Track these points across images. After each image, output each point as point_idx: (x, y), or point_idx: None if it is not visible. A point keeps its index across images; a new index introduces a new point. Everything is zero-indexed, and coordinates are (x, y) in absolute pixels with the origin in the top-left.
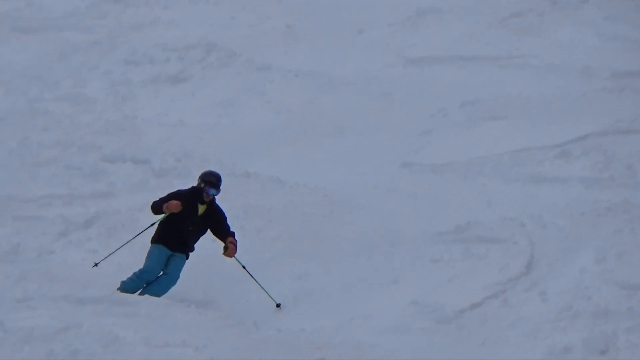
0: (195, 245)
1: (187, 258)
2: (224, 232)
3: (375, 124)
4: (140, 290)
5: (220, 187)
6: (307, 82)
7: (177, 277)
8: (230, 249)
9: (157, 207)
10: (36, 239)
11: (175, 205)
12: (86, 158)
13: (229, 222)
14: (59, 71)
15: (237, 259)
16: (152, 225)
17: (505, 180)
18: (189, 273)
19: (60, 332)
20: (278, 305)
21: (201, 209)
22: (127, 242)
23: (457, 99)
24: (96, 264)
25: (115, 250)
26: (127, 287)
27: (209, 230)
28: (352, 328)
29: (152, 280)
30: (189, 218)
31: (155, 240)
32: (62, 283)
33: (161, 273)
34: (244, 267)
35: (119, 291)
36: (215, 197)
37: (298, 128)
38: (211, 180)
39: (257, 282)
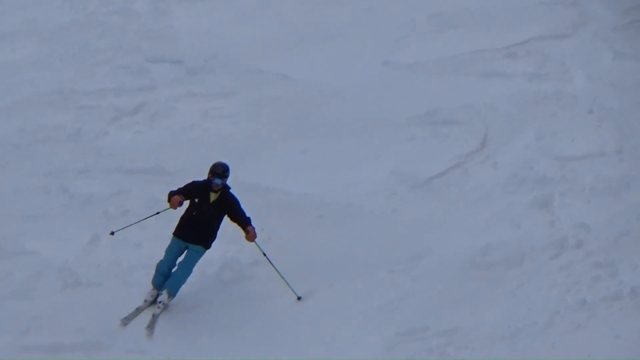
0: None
1: (207, 248)
2: (241, 219)
3: (360, 32)
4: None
5: (227, 176)
6: None
7: (188, 271)
8: (250, 234)
9: (168, 199)
10: (94, 123)
11: (174, 203)
12: (133, 59)
13: (243, 206)
14: None
15: (257, 244)
16: (157, 213)
17: (465, 75)
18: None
19: (114, 197)
20: (299, 298)
21: (213, 196)
22: (140, 220)
23: (425, 12)
24: (112, 233)
25: (131, 224)
26: (154, 282)
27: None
28: (344, 192)
29: (166, 274)
30: (202, 206)
31: (173, 232)
32: (115, 158)
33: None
34: (264, 255)
35: (151, 285)
36: (230, 187)
37: (300, 35)
38: (217, 171)
39: (276, 270)
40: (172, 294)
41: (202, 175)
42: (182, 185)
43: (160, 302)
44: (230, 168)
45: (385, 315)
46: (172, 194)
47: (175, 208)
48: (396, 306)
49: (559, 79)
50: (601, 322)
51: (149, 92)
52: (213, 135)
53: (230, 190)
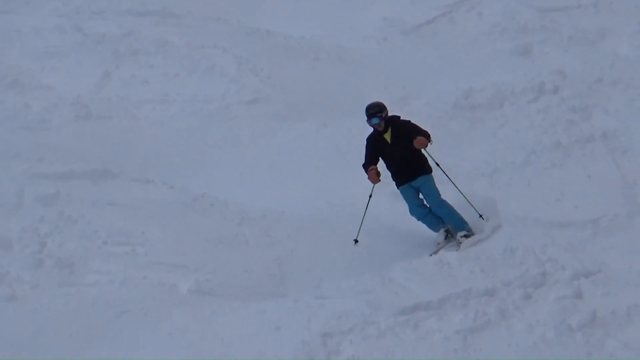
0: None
1: (430, 171)
2: (419, 134)
3: None
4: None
5: (383, 110)
6: None
7: (440, 200)
8: (418, 140)
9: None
10: None
11: (372, 178)
12: None
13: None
14: None
15: (426, 151)
16: (370, 197)
17: None
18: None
19: (125, 37)
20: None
21: (387, 136)
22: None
23: None
24: (356, 241)
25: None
26: (434, 229)
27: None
28: (339, 36)
29: (425, 213)
30: (388, 150)
31: (398, 185)
32: (127, 0)
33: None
34: (437, 165)
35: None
36: (399, 116)
37: None
38: (368, 112)
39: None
40: (460, 228)
41: (207, 18)
42: (365, 151)
43: (461, 237)
44: (268, 31)
45: None
46: (365, 167)
47: (377, 182)
48: None
49: None
50: (574, 162)
51: None
52: None
53: (400, 118)
